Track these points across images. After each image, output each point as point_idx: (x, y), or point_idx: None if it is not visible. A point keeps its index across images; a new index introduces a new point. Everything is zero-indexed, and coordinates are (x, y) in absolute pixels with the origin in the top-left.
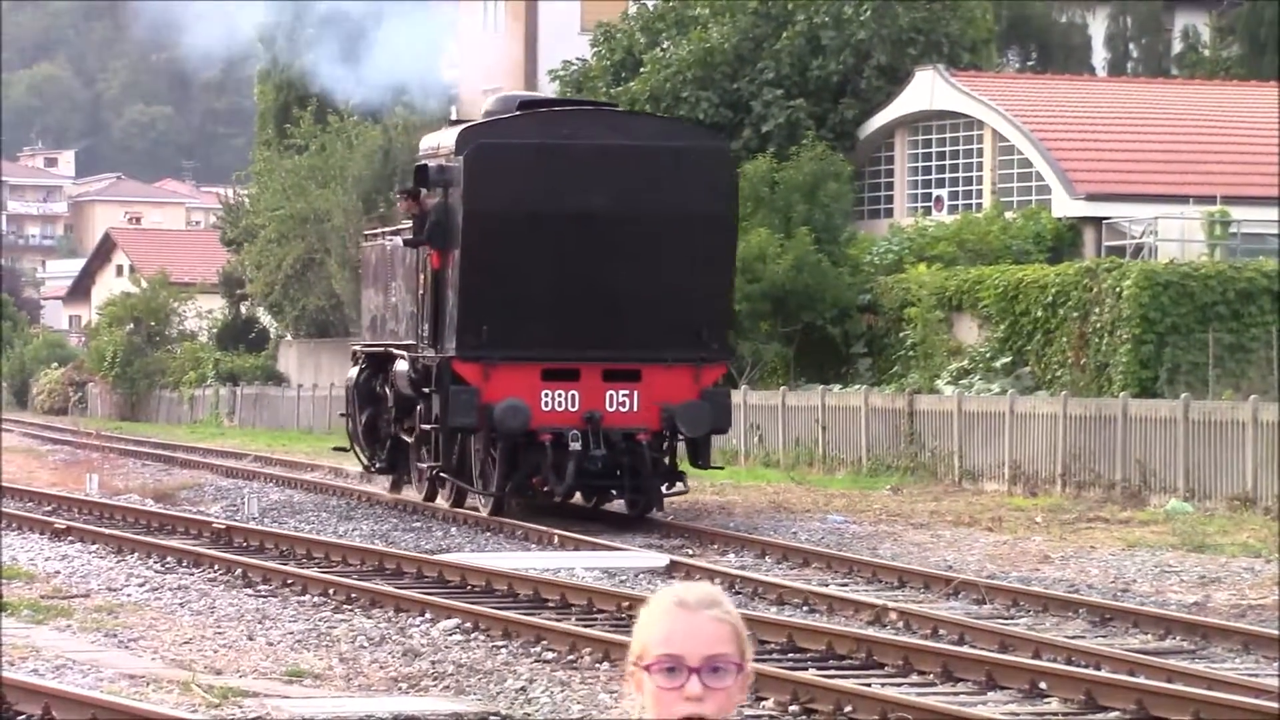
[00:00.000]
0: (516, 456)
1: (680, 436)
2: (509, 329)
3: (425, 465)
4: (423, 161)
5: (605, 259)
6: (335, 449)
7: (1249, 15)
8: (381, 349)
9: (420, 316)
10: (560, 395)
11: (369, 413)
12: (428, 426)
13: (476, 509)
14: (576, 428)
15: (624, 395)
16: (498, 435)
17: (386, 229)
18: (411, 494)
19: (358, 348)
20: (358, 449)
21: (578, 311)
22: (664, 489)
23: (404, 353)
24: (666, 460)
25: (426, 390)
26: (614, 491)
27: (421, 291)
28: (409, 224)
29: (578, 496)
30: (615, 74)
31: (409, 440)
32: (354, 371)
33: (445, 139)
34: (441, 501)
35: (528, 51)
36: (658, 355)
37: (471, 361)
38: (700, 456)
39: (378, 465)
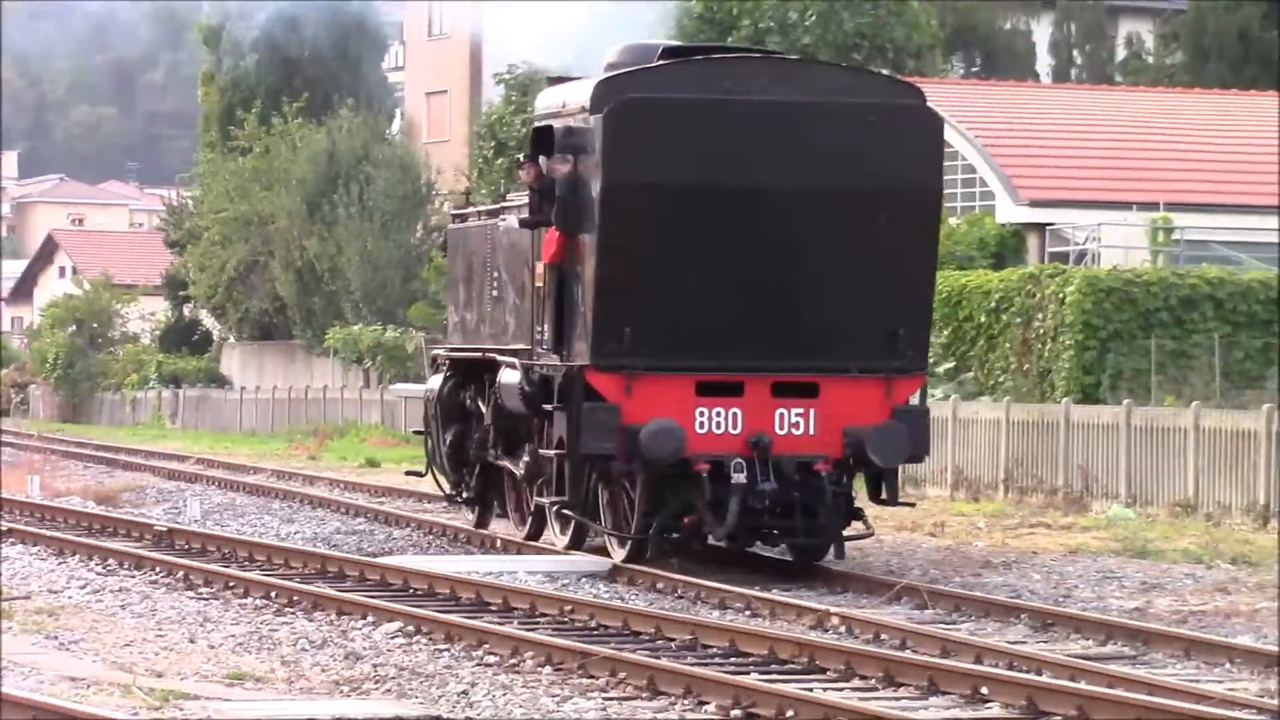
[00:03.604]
0: (662, 490)
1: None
2: (657, 332)
3: (546, 500)
4: (545, 122)
5: (777, 244)
6: (409, 473)
7: (1192, 22)
8: (478, 354)
9: (537, 315)
10: (719, 415)
11: (455, 431)
12: (549, 452)
13: (606, 552)
14: (740, 455)
15: (798, 415)
16: (641, 464)
17: (481, 207)
18: (505, 529)
19: (440, 352)
20: (438, 474)
21: (742, 310)
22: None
23: (512, 360)
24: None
25: (546, 407)
26: (775, 532)
27: (539, 284)
28: (517, 200)
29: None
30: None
31: (512, 467)
32: (436, 380)
33: (573, 94)
34: (554, 541)
35: (473, 54)
36: (840, 365)
37: (610, 372)
38: (888, 490)
39: (464, 494)
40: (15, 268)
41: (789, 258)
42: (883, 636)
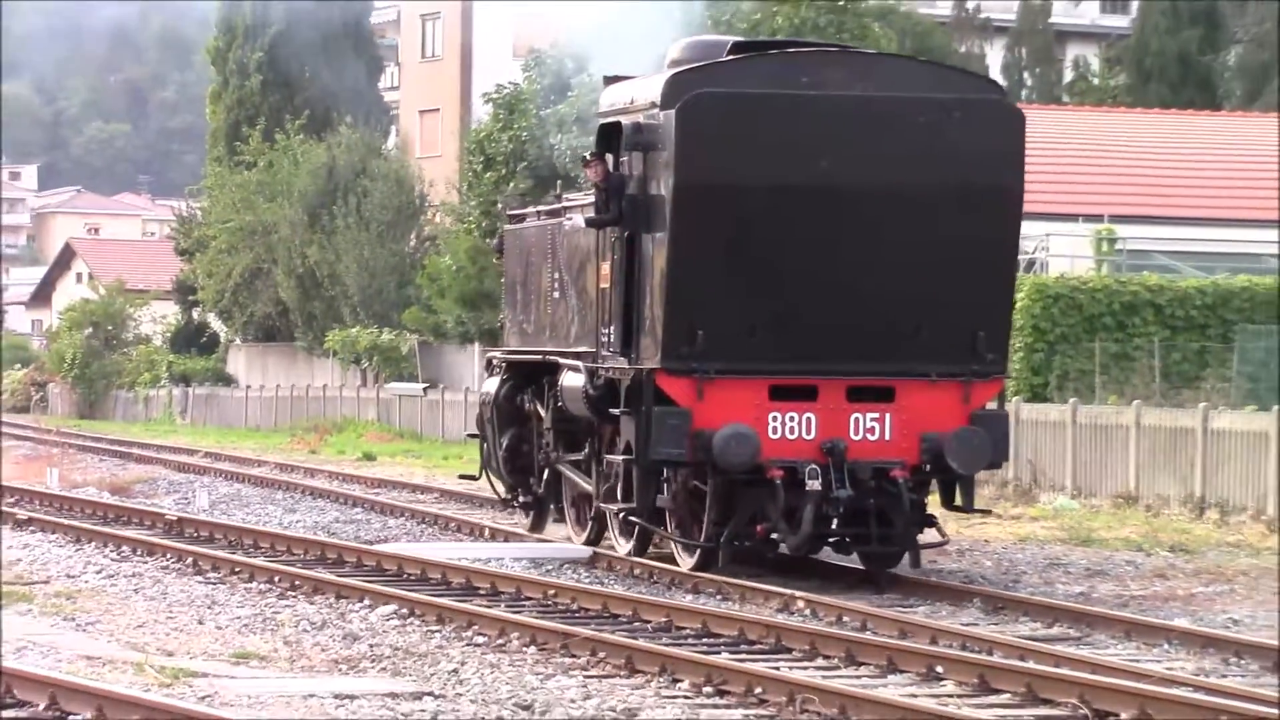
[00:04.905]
0: (733, 497)
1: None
2: (729, 334)
3: (612, 507)
4: (614, 118)
5: (854, 244)
6: (462, 477)
7: (1135, 47)
8: (538, 357)
9: (603, 317)
10: (793, 419)
11: (512, 434)
12: (616, 457)
13: (674, 562)
14: (814, 461)
15: (874, 419)
16: (712, 471)
17: (541, 207)
18: (560, 533)
19: (496, 355)
20: (494, 478)
21: (817, 311)
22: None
23: (576, 362)
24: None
25: (612, 411)
26: (847, 540)
27: (604, 284)
28: (580, 199)
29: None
30: (545, 96)
31: (571, 472)
32: (492, 384)
33: (643, 89)
34: (615, 547)
35: (463, 74)
36: (917, 368)
37: (681, 375)
38: (964, 497)
39: (522, 499)
40: (35, 274)
41: (866, 257)
42: (845, 619)
